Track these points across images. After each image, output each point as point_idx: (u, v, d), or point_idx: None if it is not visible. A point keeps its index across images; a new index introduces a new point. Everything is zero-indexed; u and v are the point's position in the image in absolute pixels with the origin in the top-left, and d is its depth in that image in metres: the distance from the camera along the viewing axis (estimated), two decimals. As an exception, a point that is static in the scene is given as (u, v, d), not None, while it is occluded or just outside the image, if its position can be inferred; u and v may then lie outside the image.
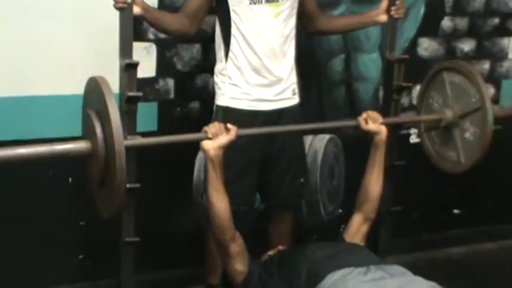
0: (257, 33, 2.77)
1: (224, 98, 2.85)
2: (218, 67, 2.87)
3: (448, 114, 2.97)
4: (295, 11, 2.86)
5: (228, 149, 2.70)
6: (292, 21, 2.86)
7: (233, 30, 2.77)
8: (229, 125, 2.53)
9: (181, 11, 2.82)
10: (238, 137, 2.64)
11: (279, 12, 2.78)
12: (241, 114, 2.83)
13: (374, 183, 2.75)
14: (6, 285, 2.99)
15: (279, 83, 2.85)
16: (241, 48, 2.78)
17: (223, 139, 2.50)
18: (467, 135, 2.94)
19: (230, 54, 2.80)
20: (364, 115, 2.79)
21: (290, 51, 2.87)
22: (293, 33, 2.87)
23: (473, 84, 2.89)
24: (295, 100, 2.94)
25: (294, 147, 2.98)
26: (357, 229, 2.74)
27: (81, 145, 2.23)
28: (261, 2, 2.74)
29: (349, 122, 2.93)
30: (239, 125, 2.76)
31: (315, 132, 3.13)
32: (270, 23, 2.77)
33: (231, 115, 2.81)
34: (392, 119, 3.07)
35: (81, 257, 3.14)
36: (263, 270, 2.56)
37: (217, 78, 2.87)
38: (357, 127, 2.79)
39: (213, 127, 2.51)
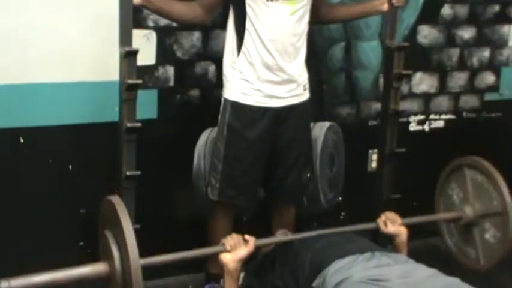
0: (272, 31, 2.72)
1: (233, 92, 2.81)
2: (228, 59, 2.81)
3: (468, 212, 2.95)
4: (308, 7, 2.81)
5: (237, 145, 2.70)
6: (306, 19, 2.81)
7: (248, 24, 2.72)
8: (247, 236, 2.49)
9: (196, 0, 2.77)
10: (249, 134, 2.71)
11: (295, 10, 2.73)
12: (251, 110, 2.80)
13: None
14: (6, 271, 2.99)
15: (291, 81, 2.82)
16: (255, 44, 2.73)
17: (243, 251, 2.45)
18: (487, 236, 2.92)
19: (243, 48, 2.75)
20: (383, 217, 2.76)
21: (302, 49, 2.84)
22: (306, 30, 2.83)
23: (496, 188, 2.87)
24: (305, 96, 2.92)
25: (301, 142, 2.96)
26: None
27: (99, 268, 2.24)
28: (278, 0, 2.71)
29: (368, 225, 2.80)
30: (248, 120, 2.76)
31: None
32: (285, 21, 2.72)
33: (239, 110, 2.80)
34: (411, 220, 2.88)
35: (81, 244, 3.14)
36: (265, 260, 2.58)
37: (227, 71, 2.82)
38: (377, 230, 2.75)
39: (232, 239, 2.47)
